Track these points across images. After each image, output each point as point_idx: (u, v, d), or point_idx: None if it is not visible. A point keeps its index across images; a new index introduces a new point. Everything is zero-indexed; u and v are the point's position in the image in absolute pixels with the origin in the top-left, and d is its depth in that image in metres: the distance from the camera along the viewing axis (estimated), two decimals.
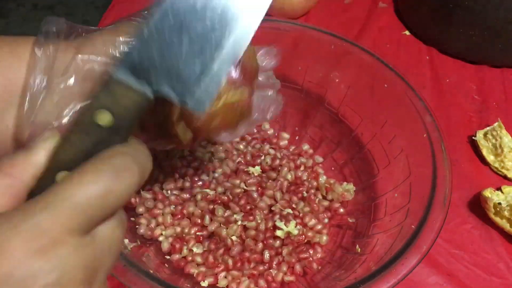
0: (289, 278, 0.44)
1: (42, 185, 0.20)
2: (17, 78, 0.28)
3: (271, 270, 0.45)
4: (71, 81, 0.29)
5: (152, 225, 0.47)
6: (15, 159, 0.20)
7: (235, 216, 0.47)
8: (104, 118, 0.21)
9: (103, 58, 0.29)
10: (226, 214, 0.47)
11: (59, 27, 0.30)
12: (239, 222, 0.47)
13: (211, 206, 0.48)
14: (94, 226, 0.19)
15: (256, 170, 0.52)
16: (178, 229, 0.47)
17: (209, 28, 0.24)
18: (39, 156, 0.21)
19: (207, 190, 0.49)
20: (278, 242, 0.46)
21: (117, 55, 0.29)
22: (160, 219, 0.47)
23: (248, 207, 0.48)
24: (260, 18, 0.25)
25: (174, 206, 0.49)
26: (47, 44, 0.29)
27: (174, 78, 0.24)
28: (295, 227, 0.47)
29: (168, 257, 0.46)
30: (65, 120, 0.28)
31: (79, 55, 0.29)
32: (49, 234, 0.17)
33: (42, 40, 0.29)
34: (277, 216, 0.47)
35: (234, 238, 0.46)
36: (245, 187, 0.50)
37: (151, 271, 0.36)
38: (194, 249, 0.46)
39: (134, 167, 0.20)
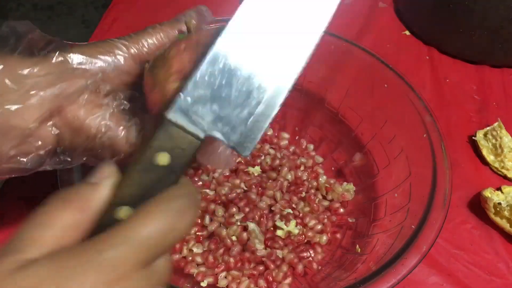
0: (289, 278, 0.44)
1: (106, 218, 0.22)
2: None
3: (271, 270, 0.45)
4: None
5: None
6: (83, 194, 0.22)
7: (235, 216, 0.47)
8: (163, 159, 0.23)
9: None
10: (226, 214, 0.47)
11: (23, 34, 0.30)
12: (239, 223, 0.47)
13: (212, 207, 0.48)
14: (154, 260, 0.21)
15: (256, 170, 0.52)
16: None
17: (255, 72, 0.25)
18: (104, 192, 0.23)
19: (207, 190, 0.50)
20: (278, 242, 0.46)
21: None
22: None
23: (247, 209, 0.48)
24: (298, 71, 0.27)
25: None
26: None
27: (223, 121, 0.25)
28: (295, 226, 0.47)
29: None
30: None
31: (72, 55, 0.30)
32: (116, 270, 0.19)
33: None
34: (277, 216, 0.47)
35: (234, 238, 0.46)
36: (245, 188, 0.50)
37: None
38: (194, 249, 0.46)
39: (191, 207, 0.22)
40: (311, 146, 0.56)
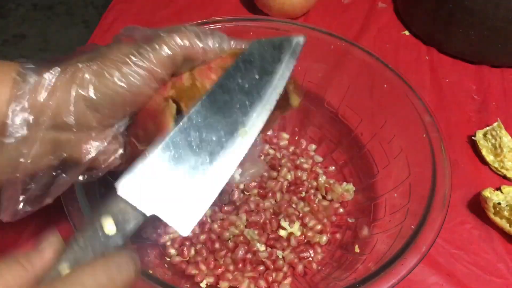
0: (289, 278, 0.44)
1: (49, 275, 0.25)
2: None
3: (271, 270, 0.45)
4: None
5: (160, 230, 0.47)
6: (29, 255, 0.25)
7: (237, 220, 0.47)
8: (110, 229, 0.26)
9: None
10: (227, 216, 0.47)
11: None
12: (241, 226, 0.47)
13: (214, 208, 0.48)
14: None
15: None
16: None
17: (200, 161, 0.29)
18: (47, 253, 0.25)
19: None
20: (280, 242, 0.46)
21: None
22: None
23: (252, 207, 0.48)
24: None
25: None
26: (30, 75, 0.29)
27: (166, 204, 0.28)
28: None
29: (168, 258, 0.46)
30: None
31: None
32: None
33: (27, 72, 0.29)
34: (282, 215, 0.47)
35: (234, 238, 0.46)
36: (246, 192, 0.50)
37: (151, 271, 0.36)
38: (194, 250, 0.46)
39: (132, 265, 0.25)
40: (313, 146, 0.56)
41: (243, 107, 0.30)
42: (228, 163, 0.29)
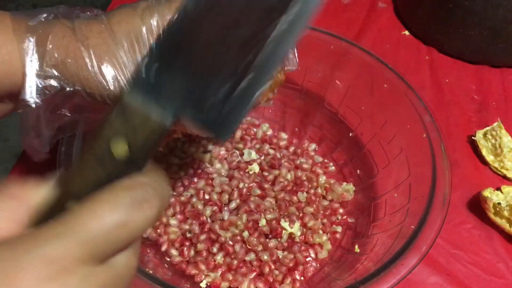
0: (289, 278, 0.44)
1: (51, 215, 0.19)
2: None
3: (271, 271, 0.45)
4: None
5: (160, 230, 0.47)
6: (25, 184, 0.20)
7: (233, 217, 0.47)
8: (120, 150, 0.19)
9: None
10: (228, 217, 0.47)
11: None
12: (241, 226, 0.47)
13: (215, 208, 0.48)
14: (109, 256, 0.19)
15: (255, 168, 0.52)
16: (181, 231, 0.47)
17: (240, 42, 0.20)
18: (49, 184, 0.20)
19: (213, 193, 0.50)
20: (280, 242, 0.46)
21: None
22: (164, 219, 0.47)
23: (252, 207, 0.48)
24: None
25: (176, 207, 0.49)
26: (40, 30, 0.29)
27: (195, 102, 0.20)
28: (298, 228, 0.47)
29: (168, 258, 0.46)
30: None
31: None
32: (59, 263, 0.17)
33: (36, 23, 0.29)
34: (282, 215, 0.47)
35: (231, 237, 0.46)
36: (245, 189, 0.50)
37: (151, 271, 0.36)
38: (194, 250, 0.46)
39: (154, 199, 0.19)
40: (313, 146, 0.56)
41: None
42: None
